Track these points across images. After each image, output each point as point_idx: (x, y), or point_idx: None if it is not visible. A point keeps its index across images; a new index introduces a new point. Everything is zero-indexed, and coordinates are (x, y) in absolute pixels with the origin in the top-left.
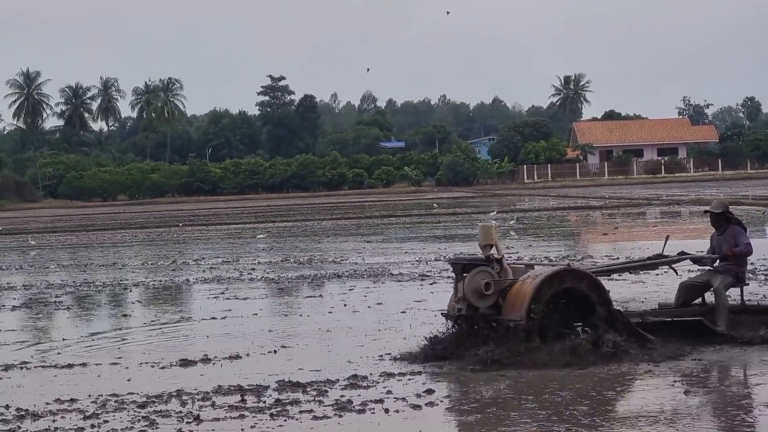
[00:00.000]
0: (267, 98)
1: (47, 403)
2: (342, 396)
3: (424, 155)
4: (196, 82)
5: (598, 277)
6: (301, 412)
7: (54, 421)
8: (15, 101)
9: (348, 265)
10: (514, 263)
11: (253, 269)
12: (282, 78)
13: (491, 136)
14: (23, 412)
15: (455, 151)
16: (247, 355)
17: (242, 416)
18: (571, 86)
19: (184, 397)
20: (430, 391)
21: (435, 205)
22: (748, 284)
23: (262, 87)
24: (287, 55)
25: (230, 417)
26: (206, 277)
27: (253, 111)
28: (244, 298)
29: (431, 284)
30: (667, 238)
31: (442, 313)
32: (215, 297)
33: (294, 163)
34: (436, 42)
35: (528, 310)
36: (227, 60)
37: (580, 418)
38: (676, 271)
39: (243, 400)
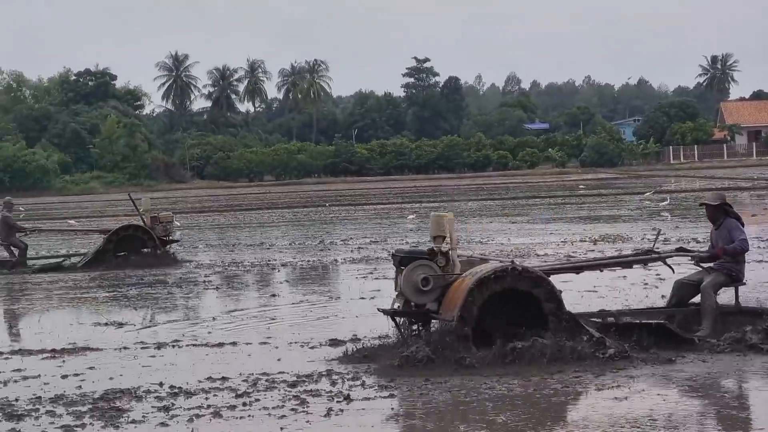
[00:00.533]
0: (412, 80)
1: (199, 381)
2: None
3: (568, 137)
4: (341, 64)
5: (548, 275)
6: None
7: (206, 398)
8: (164, 83)
9: (494, 245)
10: (470, 257)
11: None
12: (427, 60)
13: (636, 117)
14: (177, 390)
15: (600, 132)
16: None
17: (392, 396)
18: (719, 66)
19: (335, 377)
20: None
21: (581, 186)
22: (745, 283)
23: (407, 69)
24: (432, 36)
25: (380, 396)
26: (354, 257)
27: (398, 92)
28: (393, 278)
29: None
30: (659, 232)
31: (378, 309)
32: (363, 277)
33: (439, 145)
34: (581, 22)
35: (461, 312)
36: (373, 41)
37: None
38: (671, 268)
39: (392, 380)
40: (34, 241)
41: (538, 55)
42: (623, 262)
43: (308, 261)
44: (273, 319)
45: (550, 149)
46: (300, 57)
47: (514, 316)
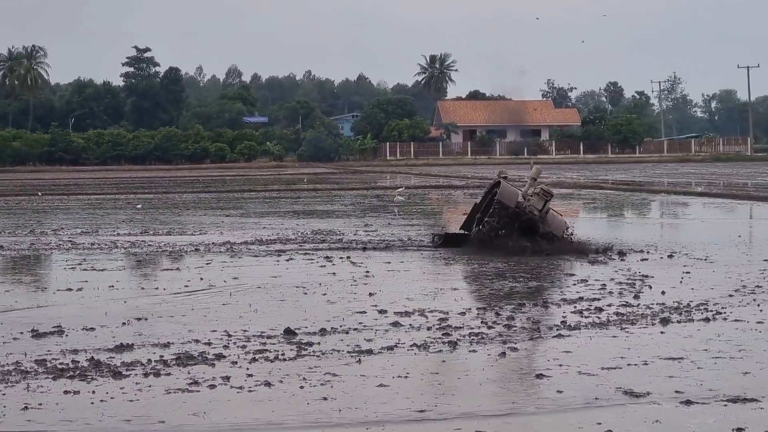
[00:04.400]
0: (132, 69)
1: None
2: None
3: (286, 131)
4: (61, 50)
5: None
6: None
7: None
8: None
9: (207, 237)
10: None
11: (113, 241)
12: (148, 49)
13: (355, 113)
14: None
15: (318, 126)
16: (102, 326)
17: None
18: (437, 65)
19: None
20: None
21: (305, 179)
22: None
23: (127, 58)
24: (154, 26)
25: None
26: (65, 248)
27: (118, 82)
28: (102, 270)
29: (288, 260)
30: None
31: None
32: (72, 268)
33: (157, 136)
34: (303, 16)
35: None
36: (93, 28)
37: None
38: None
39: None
40: None
41: (260, 48)
42: None
43: (17, 251)
44: None
45: (268, 142)
46: (18, 42)
47: None
